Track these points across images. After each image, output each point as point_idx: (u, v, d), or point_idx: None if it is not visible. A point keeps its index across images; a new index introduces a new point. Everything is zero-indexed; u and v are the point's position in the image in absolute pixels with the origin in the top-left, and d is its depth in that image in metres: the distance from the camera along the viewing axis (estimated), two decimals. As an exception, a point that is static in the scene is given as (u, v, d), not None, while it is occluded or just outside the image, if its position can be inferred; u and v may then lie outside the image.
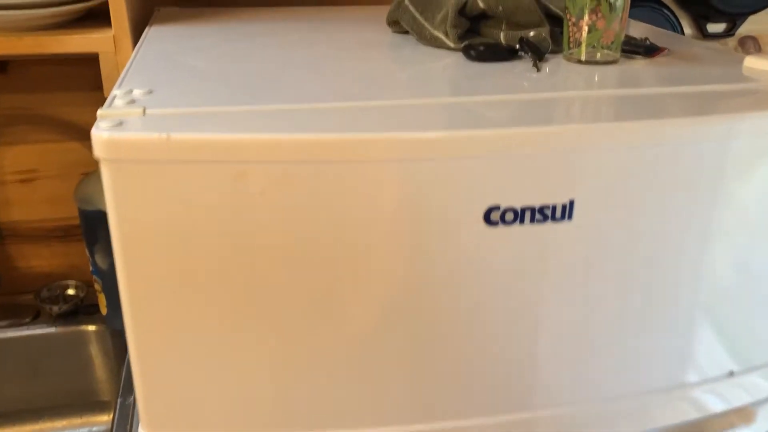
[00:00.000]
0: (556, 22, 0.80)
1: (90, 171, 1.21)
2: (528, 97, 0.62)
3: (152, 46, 0.79)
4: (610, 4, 0.69)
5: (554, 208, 0.57)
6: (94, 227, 1.13)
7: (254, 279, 0.57)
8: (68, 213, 1.25)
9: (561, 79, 0.68)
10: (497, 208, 0.56)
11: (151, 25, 0.91)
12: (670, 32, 0.92)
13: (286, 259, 0.56)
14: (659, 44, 0.79)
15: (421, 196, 0.55)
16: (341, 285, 0.58)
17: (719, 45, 1.37)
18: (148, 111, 0.56)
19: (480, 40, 0.78)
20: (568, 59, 0.74)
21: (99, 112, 0.56)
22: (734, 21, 1.34)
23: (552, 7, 0.80)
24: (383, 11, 1.01)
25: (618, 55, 0.73)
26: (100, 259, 1.13)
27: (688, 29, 1.33)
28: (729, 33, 1.35)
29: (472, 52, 0.74)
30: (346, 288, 0.58)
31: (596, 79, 0.68)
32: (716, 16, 1.32)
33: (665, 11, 1.26)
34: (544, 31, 0.76)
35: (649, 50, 0.76)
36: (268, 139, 0.52)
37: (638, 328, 0.66)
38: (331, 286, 0.57)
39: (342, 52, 0.77)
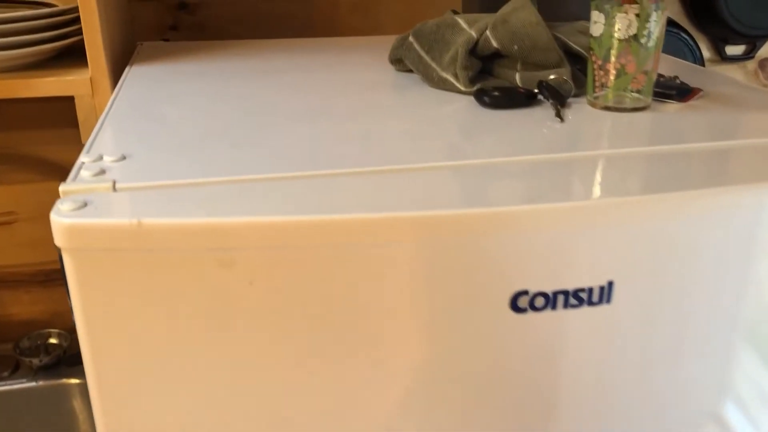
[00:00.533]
0: (576, 60, 0.72)
1: (72, 213, 1.13)
2: (552, 158, 0.55)
3: (131, 92, 0.71)
4: (640, 45, 0.62)
5: (591, 291, 0.49)
6: (75, 275, 1.04)
7: (243, 376, 0.49)
8: (49, 256, 1.17)
9: (587, 132, 0.61)
10: (525, 293, 0.48)
11: (131, 65, 0.83)
12: (699, 67, 0.85)
13: (280, 352, 0.48)
14: (691, 83, 0.72)
15: (434, 282, 0.48)
16: (351, 378, 0.50)
17: (738, 68, 1.30)
18: (118, 185, 0.49)
19: (493, 83, 0.71)
20: (593, 105, 0.67)
21: (61, 188, 0.48)
22: (754, 43, 1.27)
23: (572, 44, 0.72)
24: (383, 42, 0.94)
25: (649, 100, 0.65)
26: (82, 310, 1.05)
27: (706, 52, 1.26)
28: (749, 56, 1.28)
29: (486, 98, 0.66)
30: (356, 381, 0.50)
31: (626, 132, 0.60)
32: (735, 39, 1.25)
33: (683, 35, 1.19)
34: (565, 73, 0.69)
35: (681, 93, 0.69)
36: (258, 222, 0.44)
37: (673, 406, 0.58)
38: (339, 380, 0.50)
39: (341, 99, 0.70)
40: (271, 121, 0.62)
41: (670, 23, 1.21)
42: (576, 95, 0.69)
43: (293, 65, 0.83)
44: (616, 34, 0.62)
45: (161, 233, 0.44)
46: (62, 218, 0.44)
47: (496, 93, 0.67)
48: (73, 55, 0.86)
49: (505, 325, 0.49)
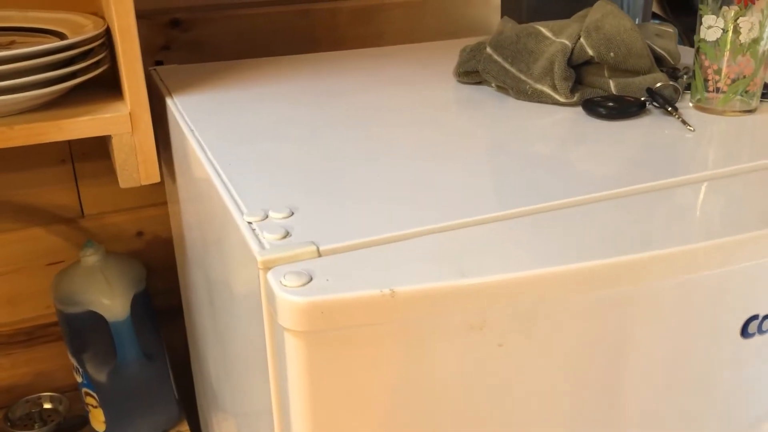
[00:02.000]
0: (657, 62, 0.71)
1: (59, 261, 1.01)
2: (731, 171, 0.53)
3: (213, 129, 0.63)
4: (760, 47, 0.62)
5: (810, 307, 0.48)
6: (82, 332, 0.93)
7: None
8: (32, 312, 1.03)
9: (731, 139, 0.60)
10: (755, 317, 0.47)
11: (171, 95, 0.74)
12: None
13: (530, 419, 0.44)
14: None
15: (678, 319, 0.45)
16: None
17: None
18: (321, 248, 0.42)
19: (590, 92, 0.68)
20: (703, 109, 0.66)
21: (261, 258, 0.41)
22: (719, 30, 1.32)
23: (656, 48, 0.72)
24: (406, 51, 0.89)
25: (758, 102, 0.65)
26: (93, 369, 0.93)
27: (679, 42, 1.30)
28: (714, 43, 1.34)
29: (602, 110, 0.64)
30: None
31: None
32: (704, 28, 1.30)
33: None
34: (664, 79, 0.68)
35: (772, 91, 0.69)
36: (516, 278, 0.40)
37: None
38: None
39: (436, 120, 0.65)
40: (387, 153, 0.57)
41: (658, 17, 1.23)
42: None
43: (350, 85, 0.77)
44: (739, 38, 0.61)
45: (415, 301, 0.38)
46: (297, 297, 0.37)
47: (611, 103, 0.64)
48: (85, 87, 0.76)
49: (735, 352, 0.47)
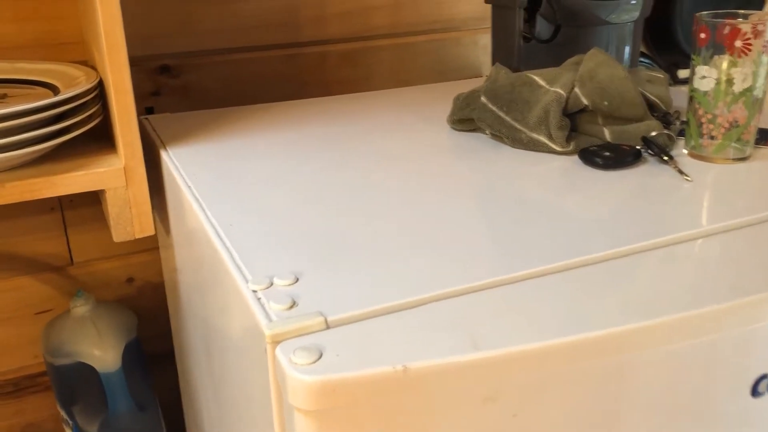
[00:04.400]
0: (650, 108, 0.72)
1: (47, 310, 0.99)
2: (736, 224, 0.53)
3: (211, 186, 0.62)
4: (753, 96, 0.62)
5: (818, 364, 0.48)
6: (72, 384, 0.91)
7: None
8: (19, 362, 1.01)
9: (730, 192, 0.60)
10: (765, 377, 0.47)
11: (165, 147, 0.73)
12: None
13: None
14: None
15: (678, 385, 0.45)
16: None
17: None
18: (329, 318, 0.41)
19: (585, 140, 0.69)
20: (697, 156, 0.66)
21: (269, 332, 0.40)
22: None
23: (649, 95, 0.72)
24: (395, 96, 0.89)
25: (751, 149, 0.66)
26: (84, 421, 0.92)
27: (664, 77, 1.32)
28: (696, 77, 1.36)
29: (599, 160, 0.64)
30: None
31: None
32: (686, 62, 1.32)
33: (646, 61, 1.24)
34: (657, 127, 0.68)
35: (765, 136, 0.70)
36: (531, 349, 0.39)
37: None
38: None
39: (440, 169, 0.65)
40: (397, 210, 0.57)
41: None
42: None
43: (344, 133, 0.76)
44: (732, 88, 0.62)
45: (428, 376, 0.38)
46: (308, 376, 0.37)
47: (608, 153, 0.65)
48: (74, 138, 0.74)
49: (746, 411, 0.47)
